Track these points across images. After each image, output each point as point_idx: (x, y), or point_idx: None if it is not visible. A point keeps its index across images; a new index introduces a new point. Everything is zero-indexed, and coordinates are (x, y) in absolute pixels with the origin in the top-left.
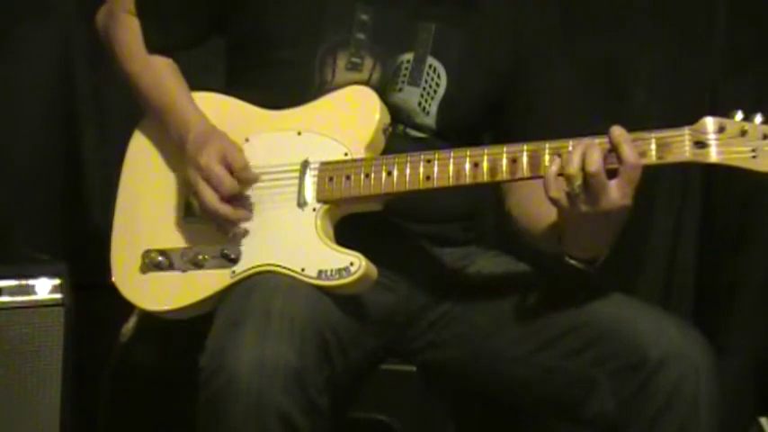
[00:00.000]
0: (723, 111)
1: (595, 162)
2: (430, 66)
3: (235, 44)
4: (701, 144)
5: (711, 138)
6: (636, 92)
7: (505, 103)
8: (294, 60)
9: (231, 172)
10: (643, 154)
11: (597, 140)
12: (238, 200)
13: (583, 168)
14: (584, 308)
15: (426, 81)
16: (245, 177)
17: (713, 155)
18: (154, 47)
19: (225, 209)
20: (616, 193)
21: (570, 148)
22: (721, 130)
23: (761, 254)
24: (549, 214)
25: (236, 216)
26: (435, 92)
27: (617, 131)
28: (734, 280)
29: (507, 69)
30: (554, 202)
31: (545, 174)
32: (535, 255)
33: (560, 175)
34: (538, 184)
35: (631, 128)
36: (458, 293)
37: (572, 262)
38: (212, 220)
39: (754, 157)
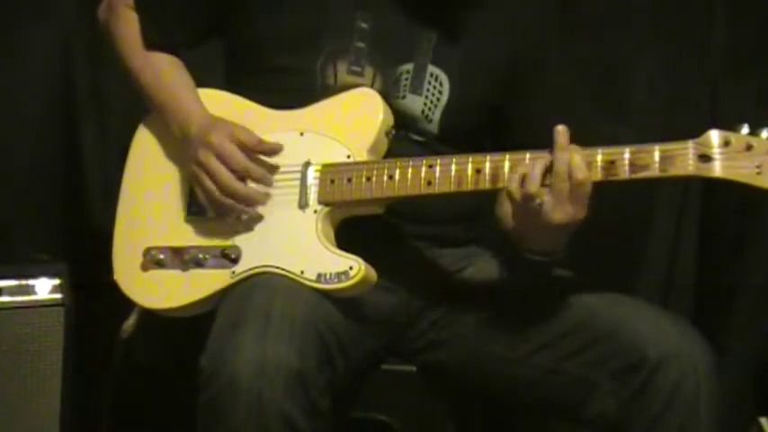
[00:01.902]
0: (723, 112)
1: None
2: (431, 74)
3: (234, 48)
4: (705, 158)
5: (716, 152)
6: (636, 92)
7: (506, 107)
8: (294, 67)
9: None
10: (646, 167)
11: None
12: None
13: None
14: (584, 308)
15: (428, 90)
16: (266, 149)
17: (717, 169)
18: (151, 44)
19: (240, 185)
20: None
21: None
22: (726, 143)
23: (760, 255)
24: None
25: (252, 194)
26: (438, 100)
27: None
28: (733, 281)
29: (508, 72)
30: (510, 197)
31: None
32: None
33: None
34: None
35: (632, 127)
36: (458, 294)
37: (532, 257)
38: (218, 204)
39: (758, 173)
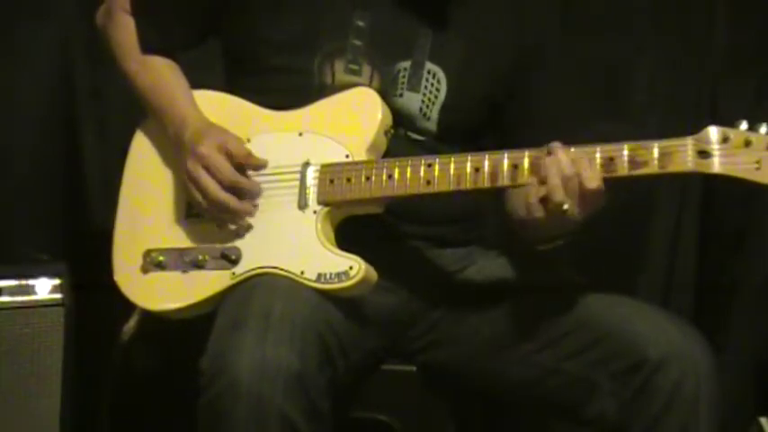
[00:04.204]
0: (723, 111)
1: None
2: (429, 71)
3: (231, 49)
4: (704, 154)
5: (715, 148)
6: (636, 92)
7: (506, 105)
8: (292, 67)
9: (233, 163)
10: (644, 163)
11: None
12: (240, 194)
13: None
14: (585, 309)
15: (426, 87)
16: (252, 164)
17: (716, 165)
18: (148, 47)
19: (227, 197)
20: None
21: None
22: (725, 140)
23: (761, 253)
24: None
25: (239, 206)
26: (436, 97)
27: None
28: (734, 279)
29: (508, 71)
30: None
31: (528, 204)
32: (536, 256)
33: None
34: None
35: (632, 127)
36: (458, 294)
37: (542, 247)
38: (211, 213)
39: (757, 168)
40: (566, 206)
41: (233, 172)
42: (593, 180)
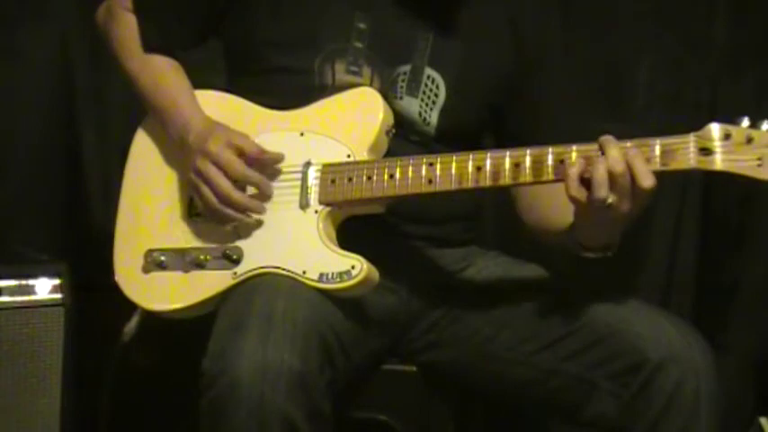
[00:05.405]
0: (723, 111)
1: (621, 163)
2: (428, 76)
3: (232, 49)
4: (706, 151)
5: (717, 145)
6: (636, 92)
7: (507, 106)
8: (292, 67)
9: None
10: (647, 160)
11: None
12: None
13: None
14: (585, 309)
15: (424, 92)
16: (266, 160)
17: (719, 162)
18: (150, 46)
19: (239, 194)
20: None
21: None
22: (727, 137)
23: (761, 252)
24: (561, 210)
25: (251, 203)
26: (434, 102)
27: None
28: (734, 279)
29: (508, 73)
30: (574, 201)
31: (566, 176)
32: (535, 256)
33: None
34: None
35: (632, 127)
36: (458, 294)
37: (587, 255)
38: (220, 212)
39: (759, 165)
40: (610, 200)
41: (244, 167)
42: (647, 178)
